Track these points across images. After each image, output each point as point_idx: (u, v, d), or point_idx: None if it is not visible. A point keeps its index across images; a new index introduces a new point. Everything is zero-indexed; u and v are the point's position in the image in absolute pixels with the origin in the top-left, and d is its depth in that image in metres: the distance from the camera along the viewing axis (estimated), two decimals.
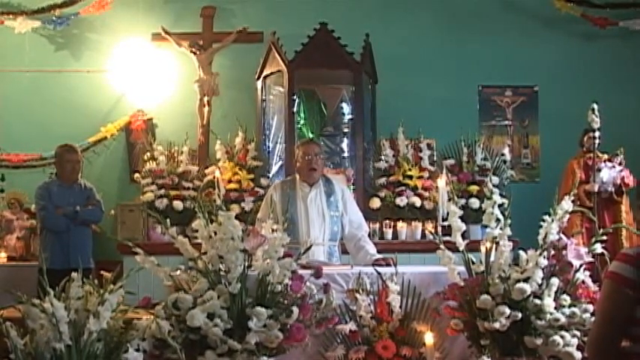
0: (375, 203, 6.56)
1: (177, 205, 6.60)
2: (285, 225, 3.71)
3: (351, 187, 6.54)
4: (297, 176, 4.79)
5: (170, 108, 7.40)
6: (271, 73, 6.90)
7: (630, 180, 6.66)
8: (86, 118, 7.28)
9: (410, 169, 6.70)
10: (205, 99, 7.16)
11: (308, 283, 3.62)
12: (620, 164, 6.70)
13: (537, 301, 3.50)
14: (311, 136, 6.93)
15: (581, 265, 3.63)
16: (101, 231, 6.54)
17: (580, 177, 6.65)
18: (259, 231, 3.61)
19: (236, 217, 3.54)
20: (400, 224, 6.54)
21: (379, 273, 3.82)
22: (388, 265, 4.07)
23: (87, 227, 6.03)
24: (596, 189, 6.47)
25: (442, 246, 3.76)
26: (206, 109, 7.16)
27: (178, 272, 3.62)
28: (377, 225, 6.43)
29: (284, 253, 3.55)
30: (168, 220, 3.73)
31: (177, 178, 6.76)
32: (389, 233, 6.48)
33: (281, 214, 4.60)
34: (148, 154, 6.90)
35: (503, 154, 6.98)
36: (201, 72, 7.18)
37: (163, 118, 7.39)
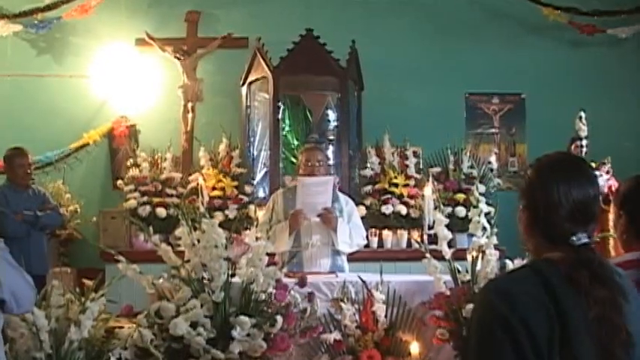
0: (361, 211, 6.58)
1: (161, 212, 6.59)
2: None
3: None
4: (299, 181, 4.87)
5: (153, 114, 7.39)
6: (256, 80, 6.92)
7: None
8: (68, 123, 7.26)
9: (396, 177, 6.74)
10: (189, 105, 7.17)
11: (292, 292, 3.64)
12: (607, 172, 6.75)
13: None
14: (296, 143, 6.96)
15: None
16: (82, 237, 6.53)
17: None
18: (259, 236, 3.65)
19: (220, 225, 3.55)
20: (386, 232, 6.57)
21: (364, 282, 3.85)
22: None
23: (44, 233, 5.98)
24: None
25: (428, 255, 3.80)
26: (190, 115, 7.16)
27: (161, 280, 3.63)
28: None
29: (268, 260, 3.57)
30: (151, 228, 3.73)
31: (161, 185, 6.75)
32: (374, 241, 6.51)
33: (283, 218, 4.68)
34: (131, 160, 6.89)
35: (490, 162, 7.02)
36: (185, 78, 7.19)
37: (146, 125, 7.38)
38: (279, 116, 6.75)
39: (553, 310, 1.64)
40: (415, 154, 6.96)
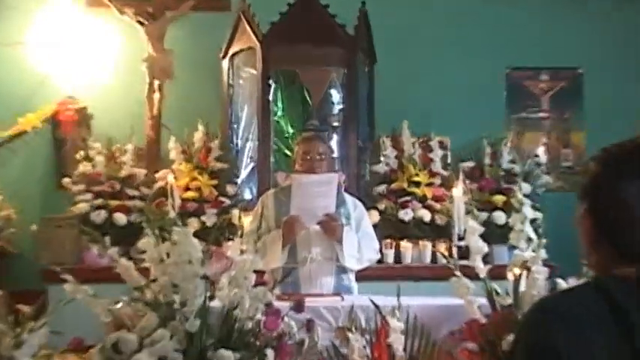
0: (373, 217, 6.58)
1: (120, 218, 6.60)
2: None
3: None
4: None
5: (110, 94, 7.39)
6: (240, 51, 6.93)
7: None
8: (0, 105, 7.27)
9: (417, 174, 6.76)
10: (156, 83, 7.16)
11: (286, 319, 3.65)
12: None
13: None
14: (291, 131, 6.96)
15: None
16: (18, 251, 6.53)
17: None
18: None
19: (195, 235, 3.56)
20: (404, 244, 6.60)
21: (377, 306, 3.85)
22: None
23: None
24: None
25: (458, 272, 3.80)
26: (157, 96, 7.16)
27: (120, 305, 3.63)
28: None
29: (256, 279, 3.58)
30: (107, 238, 3.74)
31: (120, 184, 6.76)
32: (390, 255, 6.53)
33: (274, 226, 4.70)
34: (82, 153, 6.90)
35: (537, 156, 7.03)
36: (151, 48, 7.18)
37: (101, 108, 7.38)
38: (270, 97, 6.76)
39: (616, 330, 1.65)
40: (442, 145, 6.98)
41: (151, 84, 7.17)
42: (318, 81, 7.03)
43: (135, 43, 7.28)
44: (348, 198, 5.03)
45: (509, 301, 3.74)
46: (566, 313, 1.68)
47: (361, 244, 4.85)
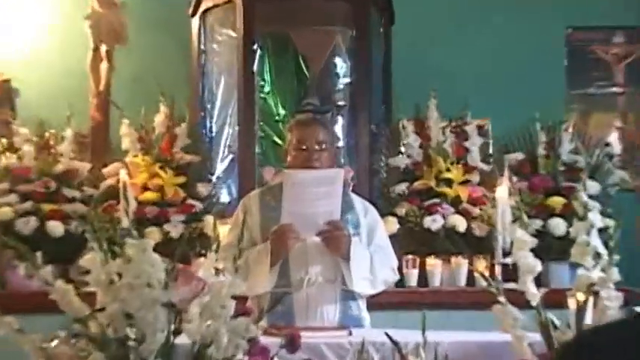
0: (390, 226, 6.60)
1: (55, 227, 6.61)
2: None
3: None
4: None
5: (42, 63, 7.42)
6: (216, 6, 6.96)
7: None
8: None
9: (448, 169, 6.78)
10: (103, 49, 7.19)
11: None
12: None
13: None
14: (283, 112, 6.98)
15: None
16: None
17: None
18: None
19: (156, 249, 3.58)
20: (432, 261, 6.62)
21: (395, 343, 3.88)
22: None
23: None
24: None
25: (502, 298, 3.82)
26: (104, 65, 7.18)
27: (56, 343, 3.66)
28: None
29: (237, 308, 3.61)
30: (38, 254, 3.76)
31: (55, 182, 6.77)
32: (413, 276, 6.56)
33: (260, 238, 4.72)
34: (4, 141, 6.91)
35: (607, 144, 7.04)
36: (96, 2, 7.20)
37: (30, 80, 7.41)
38: (255, 68, 6.78)
39: None
40: (481, 130, 6.99)
41: (96, 50, 7.18)
42: (317, 46, 7.05)
43: None
44: (357, 201, 5.05)
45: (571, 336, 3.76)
46: (606, 348, 1.71)
47: (374, 262, 4.86)
